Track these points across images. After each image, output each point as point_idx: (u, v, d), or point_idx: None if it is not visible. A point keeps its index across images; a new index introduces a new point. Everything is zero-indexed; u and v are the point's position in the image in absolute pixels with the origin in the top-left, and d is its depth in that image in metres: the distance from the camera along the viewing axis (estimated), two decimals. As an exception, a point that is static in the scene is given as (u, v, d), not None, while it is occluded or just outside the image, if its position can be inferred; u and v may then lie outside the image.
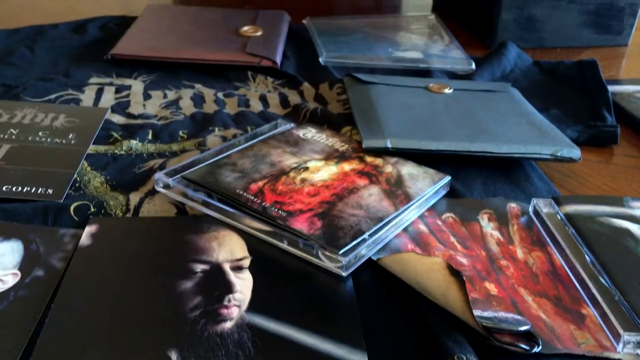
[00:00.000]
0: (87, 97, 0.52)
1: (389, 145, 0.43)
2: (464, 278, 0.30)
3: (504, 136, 0.45)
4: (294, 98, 0.55)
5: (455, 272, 0.30)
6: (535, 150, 0.44)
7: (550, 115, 0.53)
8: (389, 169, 0.42)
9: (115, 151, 0.44)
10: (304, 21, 0.71)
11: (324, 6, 0.82)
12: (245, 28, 0.65)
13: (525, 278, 0.34)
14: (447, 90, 0.53)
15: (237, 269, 0.33)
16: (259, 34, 0.64)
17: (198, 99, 0.54)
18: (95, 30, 0.64)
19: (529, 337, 0.30)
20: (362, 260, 0.34)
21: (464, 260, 0.35)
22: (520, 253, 0.36)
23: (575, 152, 0.44)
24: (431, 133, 0.45)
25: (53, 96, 0.51)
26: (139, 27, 0.64)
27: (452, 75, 0.61)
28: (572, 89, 0.58)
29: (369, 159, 0.43)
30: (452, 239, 0.37)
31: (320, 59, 0.62)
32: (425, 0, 0.81)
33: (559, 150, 0.44)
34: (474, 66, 0.61)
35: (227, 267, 0.33)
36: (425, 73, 0.61)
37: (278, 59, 0.60)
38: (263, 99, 0.55)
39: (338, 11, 0.78)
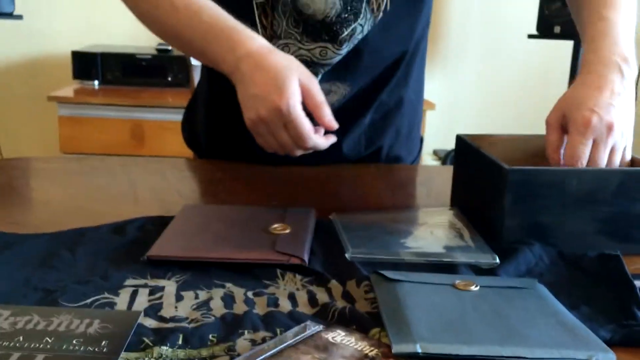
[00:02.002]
0: (121, 300, 0.54)
1: (419, 350, 0.43)
2: None
3: (535, 339, 0.44)
4: (322, 296, 0.56)
5: None
6: (570, 355, 0.43)
7: (580, 313, 0.52)
8: (420, 376, 0.41)
9: (146, 358, 0.45)
10: (330, 217, 0.74)
11: (348, 202, 0.86)
12: (275, 226, 0.68)
13: None
14: (473, 288, 0.54)
15: None
16: (287, 231, 0.67)
17: (228, 299, 0.55)
18: (134, 231, 0.68)
19: None
20: None
21: None
22: None
23: (610, 357, 0.43)
24: (461, 336, 0.45)
25: (89, 300, 0.53)
26: (174, 227, 0.68)
27: (477, 269, 0.62)
28: (598, 284, 0.58)
29: (399, 365, 0.43)
30: None
31: (346, 255, 0.64)
32: (439, 201, 0.85)
33: (594, 355, 0.43)
34: (498, 260, 0.62)
35: None
36: (450, 267, 0.62)
37: (306, 257, 0.62)
38: (292, 298, 0.56)
39: (362, 207, 0.82)
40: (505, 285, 0.55)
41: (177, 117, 2.23)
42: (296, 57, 0.93)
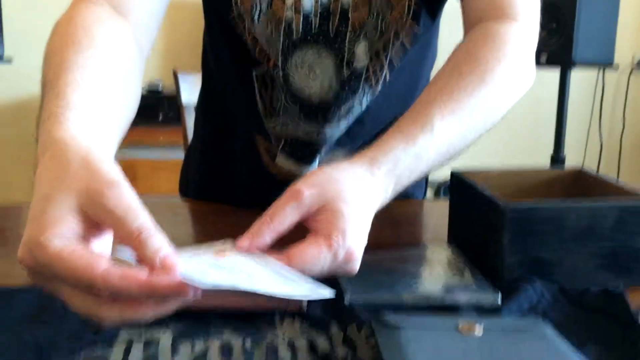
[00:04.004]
0: (115, 355, 0.52)
1: (426, 401, 0.42)
2: None
3: (544, 385, 0.43)
4: (322, 343, 0.55)
5: None
6: (581, 400, 0.42)
7: (588, 352, 0.51)
8: None
9: (142, 420, 0.43)
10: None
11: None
12: (271, 270, 0.67)
13: None
14: (477, 331, 0.53)
15: None
16: (284, 275, 0.66)
17: (226, 351, 0.54)
18: (126, 280, 0.67)
19: None
20: None
21: None
22: None
23: (622, 402, 0.42)
24: (467, 384, 0.44)
25: (82, 357, 0.51)
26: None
27: (479, 308, 0.61)
28: (604, 321, 0.57)
29: (405, 417, 0.41)
30: None
31: (345, 299, 0.63)
32: (437, 237, 0.84)
33: (606, 400, 0.42)
34: (499, 300, 0.61)
35: None
36: (452, 307, 0.61)
37: (305, 302, 0.61)
38: (291, 346, 0.55)
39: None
40: (509, 328, 0.53)
41: (169, 155, 2.25)
42: (294, 138, 0.90)
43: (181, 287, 0.43)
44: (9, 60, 2.57)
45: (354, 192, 0.59)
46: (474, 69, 0.73)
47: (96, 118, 0.54)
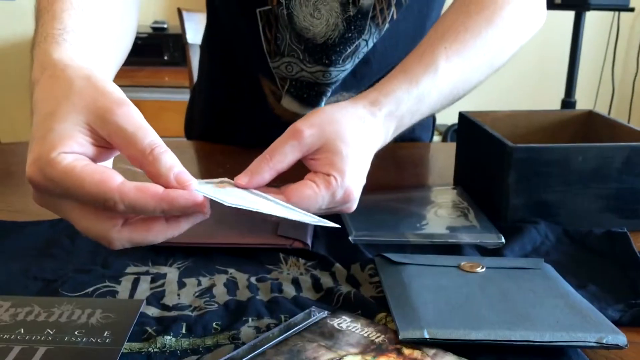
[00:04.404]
0: (123, 288, 0.53)
1: (426, 335, 0.43)
2: None
3: (544, 322, 0.44)
4: (326, 280, 0.56)
5: None
6: (579, 337, 0.42)
7: (588, 293, 0.52)
8: (428, 362, 0.41)
9: (150, 349, 0.44)
10: (333, 198, 0.73)
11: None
12: (276, 209, 0.67)
13: None
14: (479, 269, 0.53)
15: None
16: (289, 214, 0.66)
17: (231, 285, 0.54)
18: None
19: None
20: None
21: None
22: None
23: (620, 339, 0.42)
24: (468, 320, 0.44)
25: (90, 289, 0.52)
26: (174, 212, 0.67)
27: (482, 249, 0.61)
28: (606, 263, 0.57)
29: (406, 351, 0.42)
30: None
31: (349, 238, 0.63)
32: (442, 179, 0.84)
33: (604, 337, 0.42)
34: (503, 240, 0.62)
35: None
36: (455, 247, 0.61)
37: (309, 241, 0.61)
38: (296, 283, 0.55)
39: (364, 186, 0.80)
40: (511, 266, 0.54)
41: (175, 96, 2.23)
42: (299, 79, 0.88)
43: (199, 202, 0.42)
44: (12, -2, 2.53)
45: (353, 132, 0.59)
46: (482, 9, 0.71)
47: (93, 44, 0.52)
